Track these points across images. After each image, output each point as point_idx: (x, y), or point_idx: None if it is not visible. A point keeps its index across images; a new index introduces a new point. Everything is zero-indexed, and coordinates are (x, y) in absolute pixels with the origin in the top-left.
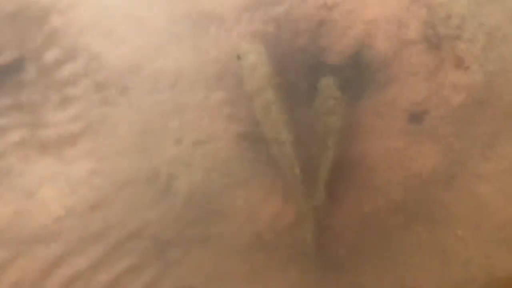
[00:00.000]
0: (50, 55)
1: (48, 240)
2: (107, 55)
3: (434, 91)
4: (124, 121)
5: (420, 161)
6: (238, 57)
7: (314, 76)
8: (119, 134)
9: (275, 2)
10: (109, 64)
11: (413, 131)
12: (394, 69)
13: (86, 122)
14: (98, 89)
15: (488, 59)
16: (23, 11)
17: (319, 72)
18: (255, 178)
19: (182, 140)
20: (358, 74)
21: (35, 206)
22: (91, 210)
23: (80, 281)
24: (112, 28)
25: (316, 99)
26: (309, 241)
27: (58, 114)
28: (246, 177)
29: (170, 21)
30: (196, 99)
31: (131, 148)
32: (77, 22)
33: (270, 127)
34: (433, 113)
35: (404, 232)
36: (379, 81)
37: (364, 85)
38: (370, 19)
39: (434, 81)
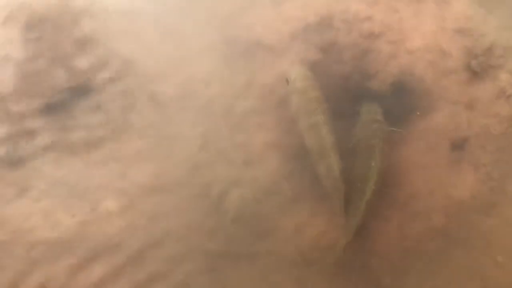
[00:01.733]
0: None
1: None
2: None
3: (475, 120)
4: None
5: (460, 188)
6: (287, 81)
7: (358, 102)
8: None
9: (323, 31)
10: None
11: (454, 158)
12: (436, 98)
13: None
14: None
15: None
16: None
17: (363, 99)
18: (301, 198)
19: (235, 160)
20: (401, 101)
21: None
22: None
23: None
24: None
25: (357, 124)
26: (331, 259)
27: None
28: (293, 196)
29: (215, 43)
30: (241, 118)
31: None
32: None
33: (318, 149)
34: (473, 142)
35: (444, 257)
36: (421, 108)
37: (406, 112)
38: (414, 49)
39: (475, 110)
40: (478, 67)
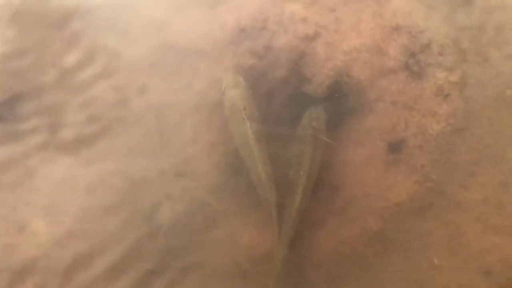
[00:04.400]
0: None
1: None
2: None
3: (413, 120)
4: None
5: (397, 190)
6: (221, 90)
7: (295, 107)
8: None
9: (257, 35)
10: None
11: (391, 160)
12: (374, 98)
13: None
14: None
15: (468, 86)
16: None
17: (300, 103)
18: (235, 208)
19: (167, 171)
20: (338, 104)
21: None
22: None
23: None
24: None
25: (298, 129)
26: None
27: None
28: (227, 207)
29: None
30: (174, 127)
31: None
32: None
33: (249, 159)
34: (411, 142)
35: (381, 261)
36: (358, 110)
37: (343, 115)
38: (351, 49)
39: (413, 110)
40: (416, 66)
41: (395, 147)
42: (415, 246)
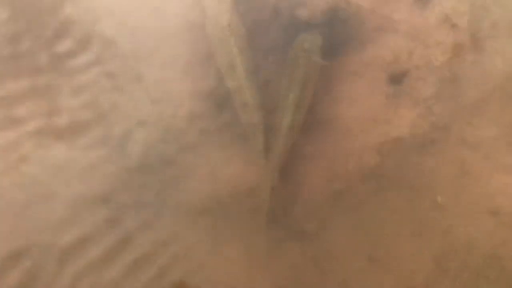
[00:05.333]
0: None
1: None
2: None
3: (416, 50)
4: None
5: (397, 124)
6: (203, 10)
7: (287, 33)
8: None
9: None
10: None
11: (392, 92)
12: (374, 27)
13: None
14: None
15: (477, 16)
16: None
17: (293, 29)
18: (216, 139)
19: (141, 98)
20: (335, 31)
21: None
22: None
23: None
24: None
25: (289, 53)
26: (263, 210)
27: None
28: (207, 138)
29: None
30: (150, 51)
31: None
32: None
33: (234, 81)
34: (414, 74)
35: (377, 199)
36: (357, 39)
37: (341, 43)
38: None
39: (417, 39)
40: None
41: (396, 79)
42: (416, 184)
